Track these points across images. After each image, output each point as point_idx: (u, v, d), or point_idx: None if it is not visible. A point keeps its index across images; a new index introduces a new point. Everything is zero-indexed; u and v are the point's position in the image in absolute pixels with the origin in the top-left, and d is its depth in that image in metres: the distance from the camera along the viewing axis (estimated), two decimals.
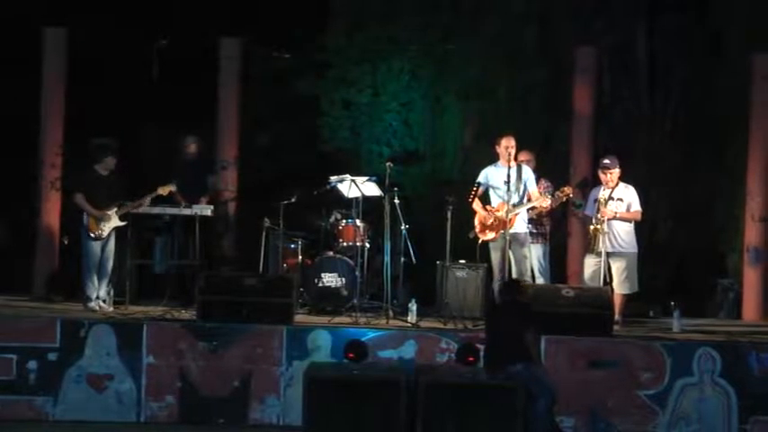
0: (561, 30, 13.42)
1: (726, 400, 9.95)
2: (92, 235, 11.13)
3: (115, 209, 11.19)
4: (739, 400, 9.92)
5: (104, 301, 11.18)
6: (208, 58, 12.80)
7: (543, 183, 11.53)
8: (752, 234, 12.33)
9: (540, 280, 11.31)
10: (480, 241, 11.13)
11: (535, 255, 11.45)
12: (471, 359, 9.40)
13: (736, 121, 12.61)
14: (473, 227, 11.15)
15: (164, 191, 11.32)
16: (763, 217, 12.28)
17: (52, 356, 10.07)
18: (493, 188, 11.11)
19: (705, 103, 13.16)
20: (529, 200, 11.02)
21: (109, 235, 11.19)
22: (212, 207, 11.69)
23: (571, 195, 11.31)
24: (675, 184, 13.21)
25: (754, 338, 10.60)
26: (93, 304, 11.09)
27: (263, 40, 13.31)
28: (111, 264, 11.23)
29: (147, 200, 11.26)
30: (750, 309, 12.28)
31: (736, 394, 9.92)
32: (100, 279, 11.18)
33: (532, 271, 11.35)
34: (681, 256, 13.09)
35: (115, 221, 11.20)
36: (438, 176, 13.58)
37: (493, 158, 11.22)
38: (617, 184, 11.12)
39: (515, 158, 11.09)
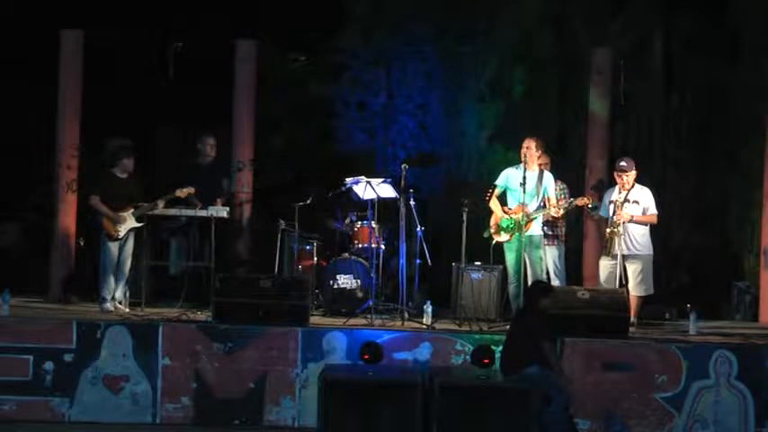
0: (577, 31, 13.40)
1: (742, 402, 9.92)
2: (109, 237, 11.17)
3: (131, 210, 11.22)
4: (756, 402, 9.88)
5: (120, 303, 11.22)
6: (223, 61, 12.82)
7: (559, 184, 11.52)
8: (767, 236, 12.28)
9: (555, 282, 11.30)
10: (495, 242, 11.12)
11: (550, 256, 11.44)
12: (486, 361, 9.41)
13: (753, 123, 12.56)
14: (489, 226, 11.15)
15: (181, 193, 11.35)
16: None
17: (68, 358, 10.11)
18: (510, 190, 11.10)
19: (721, 105, 13.11)
20: (544, 206, 11.00)
21: (126, 236, 11.23)
22: (228, 209, 11.71)
23: (589, 205, 11.28)
24: (691, 185, 13.18)
25: None
26: (108, 305, 11.12)
27: (279, 42, 13.34)
28: (128, 265, 11.27)
29: (162, 202, 11.28)
30: (766, 311, 12.23)
31: (752, 397, 9.89)
32: (117, 280, 11.22)
33: (548, 273, 11.34)
34: (697, 258, 13.05)
35: (132, 223, 11.24)
36: (453, 178, 13.58)
37: (509, 160, 11.21)
38: (633, 186, 11.09)
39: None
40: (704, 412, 9.93)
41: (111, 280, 11.18)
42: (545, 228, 11.33)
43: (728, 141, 13.09)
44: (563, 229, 11.62)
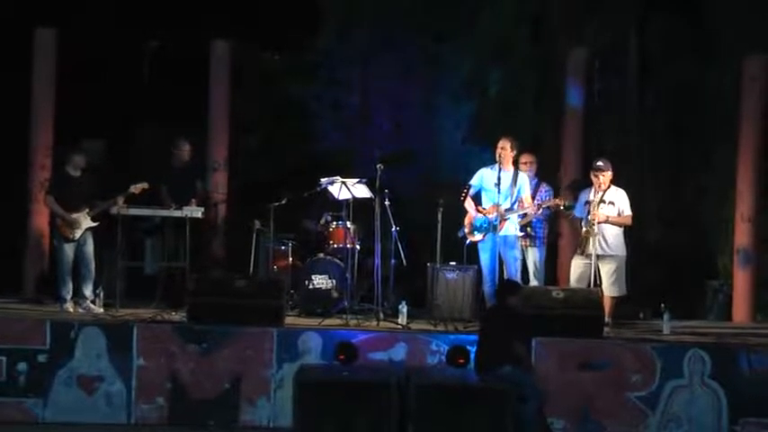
0: (553, 31, 13.43)
1: (716, 401, 9.97)
2: (63, 237, 11.11)
3: (87, 210, 11.16)
4: (729, 401, 9.93)
5: (93, 303, 11.16)
6: (199, 60, 12.78)
7: (544, 187, 11.55)
8: (741, 235, 12.36)
9: (534, 283, 11.33)
10: (469, 242, 11.14)
11: (531, 258, 11.46)
12: (461, 361, 9.43)
13: (726, 122, 12.64)
14: (463, 226, 11.16)
15: (136, 189, 11.27)
16: (752, 218, 12.31)
17: (42, 358, 10.06)
18: (484, 190, 11.11)
19: (695, 104, 13.18)
20: (521, 206, 11.02)
21: (83, 237, 11.16)
22: (202, 209, 11.68)
23: (562, 207, 11.31)
24: (665, 184, 13.24)
25: (744, 340, 10.62)
26: (67, 305, 11.07)
27: (254, 41, 13.31)
28: (92, 265, 11.19)
29: (121, 199, 11.20)
30: (740, 310, 12.31)
31: (726, 396, 9.94)
32: (83, 280, 11.15)
33: (527, 274, 11.37)
34: (670, 257, 13.10)
35: (87, 223, 11.17)
36: (429, 178, 13.58)
37: (484, 159, 11.23)
38: (608, 187, 11.13)
39: (516, 160, 11.10)
40: (678, 411, 9.98)
41: (69, 281, 11.12)
42: (528, 229, 11.36)
43: (703, 141, 13.16)
44: (545, 231, 11.64)
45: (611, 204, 11.05)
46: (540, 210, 11.18)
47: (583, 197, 11.26)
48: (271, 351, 10.09)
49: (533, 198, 11.25)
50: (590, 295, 10.45)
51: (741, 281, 12.32)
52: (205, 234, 12.22)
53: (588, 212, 11.02)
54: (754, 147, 12.30)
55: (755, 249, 12.35)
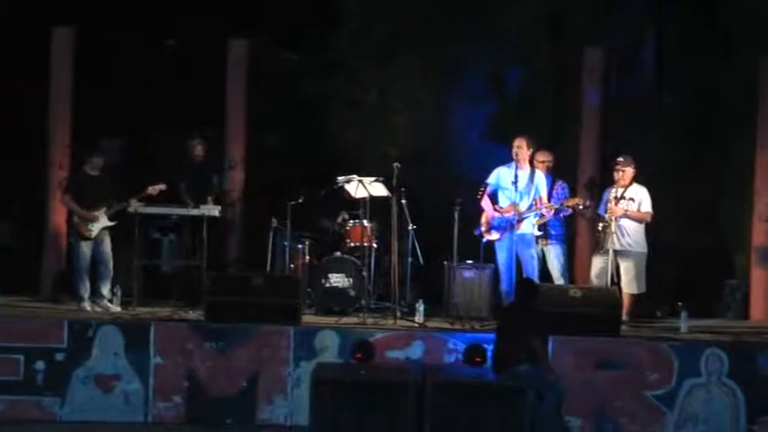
0: (571, 30, 13.41)
1: (733, 400, 9.94)
2: (80, 236, 11.14)
3: (104, 209, 11.19)
4: (747, 400, 9.90)
5: (111, 302, 11.20)
6: (216, 59, 12.81)
7: (560, 185, 11.54)
8: (759, 234, 12.32)
9: (560, 281, 11.31)
10: (485, 240, 11.14)
11: (554, 256, 11.43)
12: (479, 359, 9.43)
13: (744, 121, 12.59)
14: (480, 225, 11.16)
15: (153, 190, 11.31)
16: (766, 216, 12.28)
17: (60, 357, 10.09)
18: (501, 189, 11.10)
19: (713, 103, 13.14)
20: (538, 205, 11.00)
21: (100, 236, 11.19)
22: (219, 207, 11.70)
23: (580, 207, 11.28)
24: (683, 183, 13.20)
25: (761, 339, 10.58)
26: (85, 304, 11.11)
27: (272, 40, 13.33)
28: (110, 264, 11.23)
29: (137, 199, 11.24)
30: (758, 309, 12.26)
31: (743, 395, 9.91)
32: (101, 279, 11.19)
33: (549, 273, 11.36)
34: (688, 256, 13.07)
35: (104, 222, 11.20)
36: (446, 177, 13.57)
37: (502, 158, 11.22)
38: (630, 184, 11.13)
39: (532, 159, 11.08)
40: (695, 410, 9.96)
41: (87, 279, 11.15)
42: (548, 227, 11.35)
43: (721, 139, 13.11)
44: (564, 229, 11.62)
45: (631, 200, 11.06)
46: (559, 209, 11.16)
47: (606, 195, 11.25)
48: (288, 349, 10.10)
49: (550, 196, 11.23)
50: (608, 294, 10.44)
51: (758, 280, 12.27)
52: (222, 232, 12.24)
53: (604, 209, 11.03)
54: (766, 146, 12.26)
55: None
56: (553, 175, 11.55)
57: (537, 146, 11.39)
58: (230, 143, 12.79)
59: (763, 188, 12.27)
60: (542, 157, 11.45)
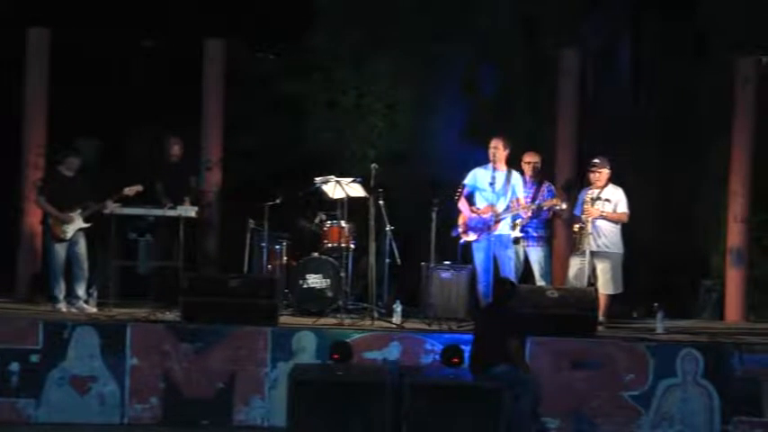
0: (547, 32, 13.45)
1: (708, 400, 9.99)
2: (54, 237, 11.09)
3: (79, 210, 11.14)
4: (722, 400, 9.96)
5: (86, 302, 11.15)
6: (192, 59, 12.77)
7: (547, 187, 11.56)
8: (734, 235, 12.40)
9: (540, 283, 11.34)
10: (463, 241, 11.16)
11: (536, 258, 11.47)
12: (455, 360, 9.44)
13: (720, 123, 12.67)
14: (457, 225, 11.18)
15: (130, 191, 11.26)
16: (744, 218, 12.36)
17: (35, 358, 10.05)
18: (478, 190, 11.13)
19: (689, 105, 13.21)
20: (516, 207, 11.03)
21: (75, 237, 11.13)
22: (196, 208, 11.67)
23: (557, 208, 11.32)
24: (659, 185, 13.26)
25: (736, 339, 10.64)
26: (60, 305, 11.07)
27: (248, 41, 13.30)
28: (85, 265, 11.18)
29: (113, 200, 11.19)
30: (732, 310, 12.34)
31: (718, 395, 9.96)
32: (76, 280, 11.15)
33: (532, 275, 11.39)
34: (664, 257, 13.13)
35: (79, 223, 11.15)
36: (423, 178, 13.58)
37: (479, 159, 11.25)
38: (606, 185, 11.18)
39: (510, 160, 11.10)
40: (671, 410, 10.00)
41: (62, 280, 11.10)
42: (529, 229, 11.38)
43: (696, 140, 13.18)
44: (545, 231, 11.65)
45: (607, 201, 11.10)
46: (539, 210, 11.20)
47: (582, 196, 11.29)
48: (265, 350, 10.09)
49: (536, 198, 11.27)
50: (584, 295, 10.48)
51: (733, 281, 12.36)
52: (199, 233, 12.21)
53: (581, 210, 11.07)
54: (746, 147, 12.35)
55: (748, 249, 12.40)
56: (540, 176, 11.58)
57: (523, 148, 11.43)
58: (207, 144, 12.76)
59: (738, 189, 12.36)
60: (529, 158, 11.52)
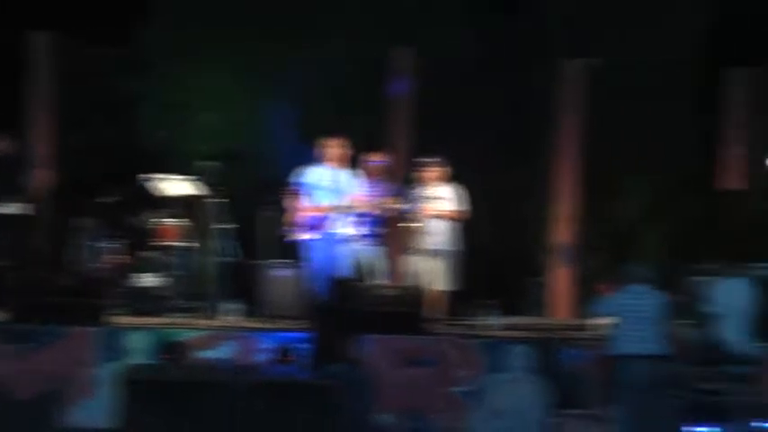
0: (380, 31, 13.56)
1: (539, 395, 10.21)
2: None
3: None
4: (551, 395, 10.19)
5: None
6: (17, 53, 12.43)
7: (388, 185, 11.63)
8: (560, 233, 12.77)
9: (378, 281, 11.38)
10: (297, 240, 11.14)
11: (371, 258, 11.51)
12: (290, 359, 9.43)
13: (547, 125, 13.02)
14: (290, 225, 11.17)
15: None
16: (570, 217, 12.73)
17: None
18: (315, 188, 11.14)
19: (519, 105, 13.52)
20: (352, 205, 11.09)
21: None
22: (26, 206, 11.34)
23: (394, 207, 11.43)
24: (493, 183, 13.53)
25: (564, 335, 10.94)
26: None
27: (78, 35, 12.99)
28: None
29: None
30: (560, 306, 12.71)
31: (548, 389, 10.20)
32: None
33: (368, 272, 11.44)
34: (498, 254, 13.41)
35: None
36: (259, 176, 13.53)
37: (316, 158, 11.27)
38: (440, 183, 11.33)
39: (350, 158, 11.15)
40: (502, 405, 10.17)
41: None
42: (366, 228, 11.43)
43: (525, 141, 13.50)
44: (382, 230, 11.72)
45: (441, 200, 11.25)
46: (376, 209, 11.27)
47: (416, 195, 11.41)
48: (95, 351, 9.88)
49: (374, 197, 11.33)
50: (414, 292, 10.62)
51: (561, 278, 12.73)
52: (27, 231, 11.87)
53: (418, 208, 11.20)
54: (572, 146, 12.74)
55: (574, 248, 12.77)
56: (378, 175, 11.64)
57: (361, 147, 11.50)
58: (37, 141, 12.42)
59: (564, 189, 12.74)
60: (367, 157, 11.55)
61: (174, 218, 11.49)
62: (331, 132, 11.31)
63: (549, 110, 12.95)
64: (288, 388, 9.12)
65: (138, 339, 9.96)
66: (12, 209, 11.13)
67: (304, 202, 11.15)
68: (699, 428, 9.71)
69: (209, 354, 10.02)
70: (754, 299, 10.53)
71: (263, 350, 10.06)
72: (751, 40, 13.44)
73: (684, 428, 9.66)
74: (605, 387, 9.96)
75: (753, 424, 9.72)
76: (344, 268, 11.03)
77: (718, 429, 9.71)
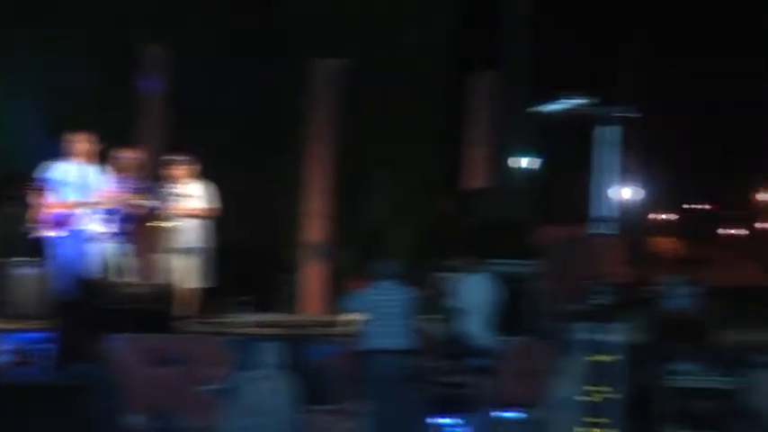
0: (135, 27, 13.37)
1: (289, 391, 10.29)
2: None
3: None
4: (302, 390, 10.30)
5: None
6: None
7: (133, 181, 11.42)
8: (311, 231, 12.94)
9: (124, 279, 11.17)
10: (42, 237, 10.82)
11: (117, 255, 11.29)
12: (29, 360, 9.17)
13: (298, 123, 13.16)
14: (34, 222, 10.83)
15: None
16: (321, 214, 12.92)
17: None
18: (61, 184, 10.86)
19: (271, 103, 13.61)
20: (99, 201, 10.87)
21: None
22: None
23: (142, 204, 11.27)
24: (244, 181, 13.56)
25: (315, 331, 11.08)
26: None
27: None
28: None
29: None
30: (311, 303, 12.86)
31: (298, 385, 10.30)
32: None
33: (115, 270, 11.22)
34: (251, 251, 13.44)
35: None
36: (1, 171, 13.06)
37: (63, 154, 10.99)
38: (189, 181, 11.25)
39: (99, 154, 10.91)
40: (254, 401, 10.20)
41: None
42: (111, 225, 11.20)
43: (276, 140, 13.60)
44: (129, 227, 11.51)
45: (191, 197, 11.19)
46: (124, 206, 11.08)
47: (166, 192, 11.28)
48: None
49: (123, 193, 11.12)
50: (160, 290, 10.52)
51: (313, 275, 12.88)
52: None
53: (169, 206, 11.09)
54: (322, 147, 12.93)
55: (325, 245, 12.96)
56: (128, 171, 11.43)
57: (113, 143, 11.27)
58: None
59: (314, 187, 12.92)
60: (118, 153, 11.32)
61: None
62: (82, 128, 11.04)
63: (301, 108, 13.08)
64: (27, 390, 8.83)
65: None
66: None
67: (50, 198, 10.84)
68: (443, 420, 10.01)
69: None
70: (496, 294, 10.96)
71: (2, 352, 9.71)
72: (494, 44, 14.01)
73: (429, 420, 9.93)
74: (354, 382, 10.13)
75: (492, 414, 10.09)
76: (91, 266, 10.78)
77: (460, 421, 10.04)
